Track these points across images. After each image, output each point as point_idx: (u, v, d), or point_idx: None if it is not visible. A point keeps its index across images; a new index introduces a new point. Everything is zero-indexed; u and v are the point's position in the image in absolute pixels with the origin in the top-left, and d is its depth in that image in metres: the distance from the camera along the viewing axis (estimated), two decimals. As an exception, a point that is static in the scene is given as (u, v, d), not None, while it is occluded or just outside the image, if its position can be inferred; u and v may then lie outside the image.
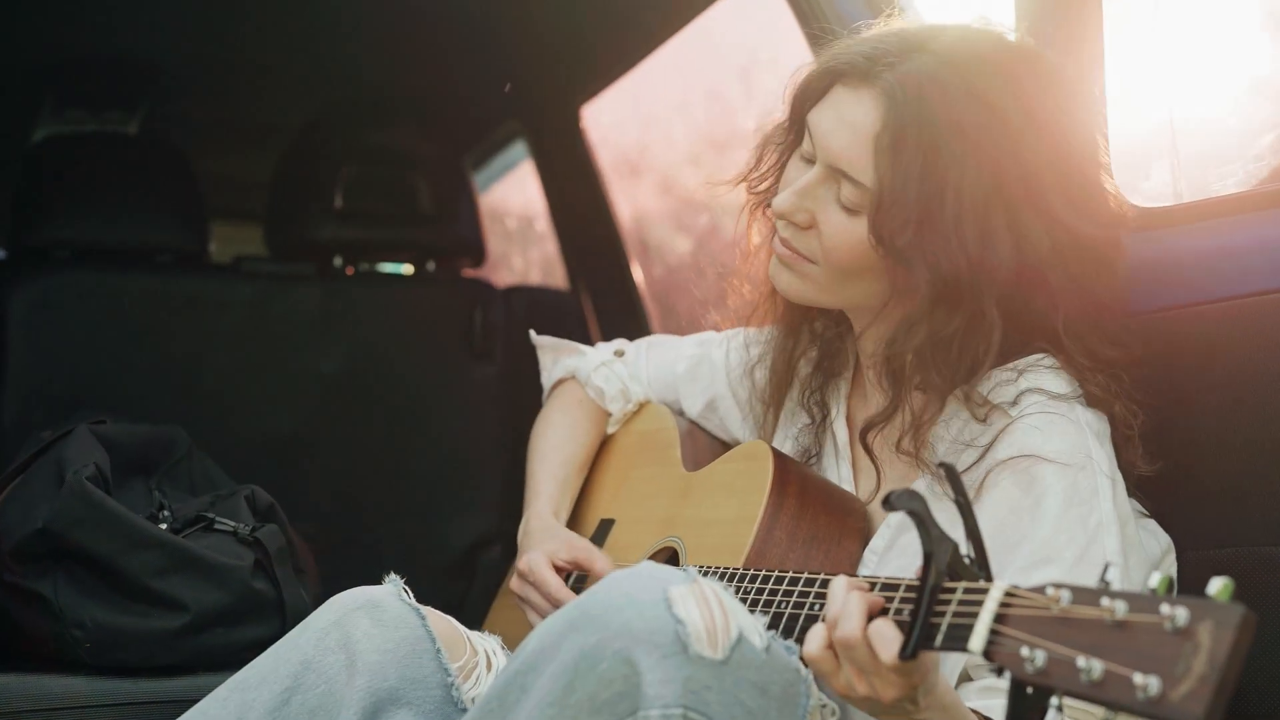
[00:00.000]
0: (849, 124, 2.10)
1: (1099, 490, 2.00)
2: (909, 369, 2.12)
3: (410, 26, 3.92)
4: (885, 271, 2.14)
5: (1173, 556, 2.20)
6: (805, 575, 1.99)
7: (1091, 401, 2.10)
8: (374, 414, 3.85)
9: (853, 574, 2.21)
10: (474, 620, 2.43)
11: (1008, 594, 1.56)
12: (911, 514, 1.64)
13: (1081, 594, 1.47)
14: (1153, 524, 2.19)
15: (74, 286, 3.57)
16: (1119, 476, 2.06)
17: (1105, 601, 1.44)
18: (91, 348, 3.56)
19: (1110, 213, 2.19)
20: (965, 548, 1.67)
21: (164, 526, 2.62)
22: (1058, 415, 2.06)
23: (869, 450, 2.21)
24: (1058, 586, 1.49)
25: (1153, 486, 2.14)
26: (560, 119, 4.41)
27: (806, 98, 2.21)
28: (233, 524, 2.65)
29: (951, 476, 1.69)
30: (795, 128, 2.27)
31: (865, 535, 2.27)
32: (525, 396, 3.82)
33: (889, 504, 1.65)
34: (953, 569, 1.65)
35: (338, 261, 3.92)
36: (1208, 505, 2.22)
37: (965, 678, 2.02)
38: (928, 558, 1.65)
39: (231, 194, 4.80)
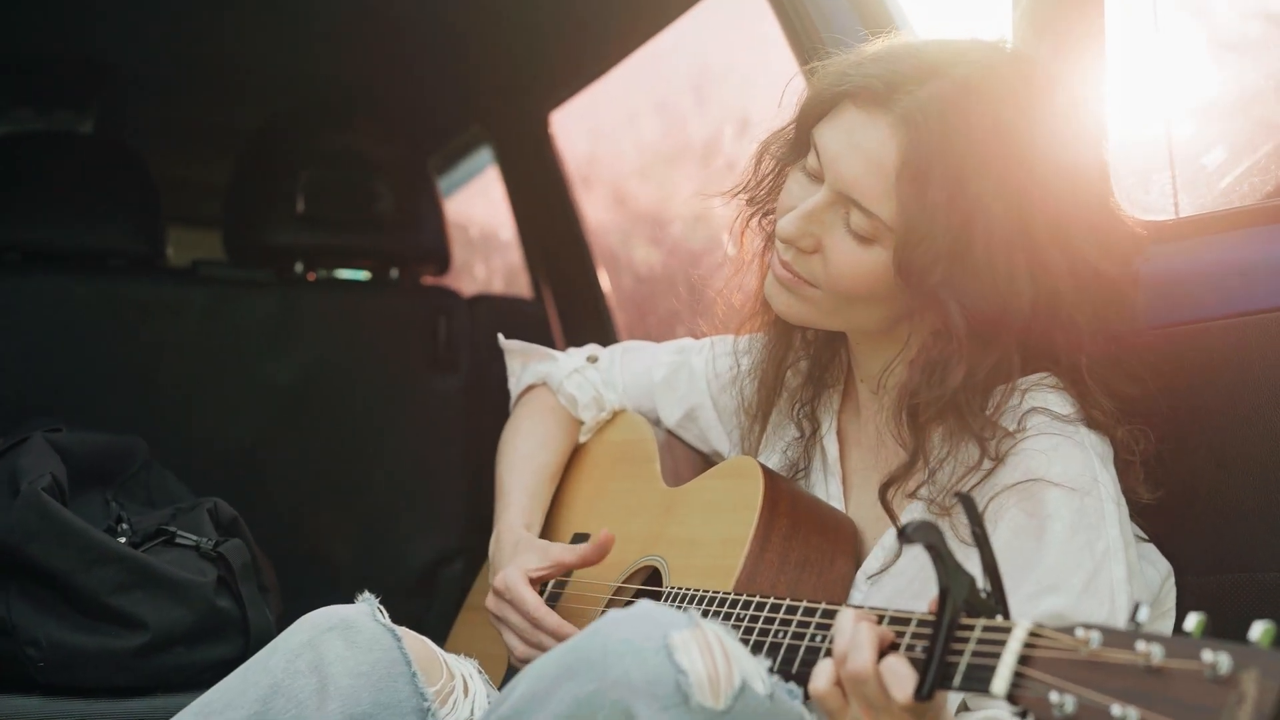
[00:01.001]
0: (863, 150, 2.03)
1: (1106, 515, 1.95)
2: (934, 416, 2.04)
3: (373, 27, 3.86)
4: (893, 300, 2.08)
5: (1172, 582, 2.14)
6: (804, 604, 1.91)
7: (1093, 424, 2.04)
8: (334, 425, 3.77)
9: (845, 597, 2.14)
10: (437, 639, 2.34)
11: (1033, 634, 1.50)
12: (929, 548, 1.58)
13: (1113, 636, 1.41)
14: (1152, 549, 2.14)
15: (23, 290, 3.46)
16: (1123, 501, 2.01)
17: (1140, 645, 1.37)
18: (41, 354, 3.45)
19: (1128, 245, 2.13)
20: (982, 582, 1.61)
21: (123, 540, 2.54)
22: (1063, 438, 2.00)
23: (888, 508, 2.11)
24: (1087, 628, 1.43)
25: (1150, 508, 2.08)
26: (528, 125, 4.34)
27: (813, 111, 2.14)
28: (195, 538, 2.57)
29: (969, 508, 1.63)
30: (799, 140, 2.19)
31: (858, 557, 2.21)
32: (489, 409, 3.76)
33: (905, 537, 1.59)
34: (969, 604, 1.59)
35: (298, 267, 3.83)
36: (1208, 529, 2.17)
37: (963, 706, 1.96)
38: (944, 592, 1.59)
39: (189, 197, 4.71)
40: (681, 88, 5.19)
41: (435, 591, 3.77)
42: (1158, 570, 2.12)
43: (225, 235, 3.91)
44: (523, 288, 4.64)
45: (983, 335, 1.98)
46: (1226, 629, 2.13)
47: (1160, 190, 2.34)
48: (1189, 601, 2.12)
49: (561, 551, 2.38)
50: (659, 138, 5.42)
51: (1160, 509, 2.08)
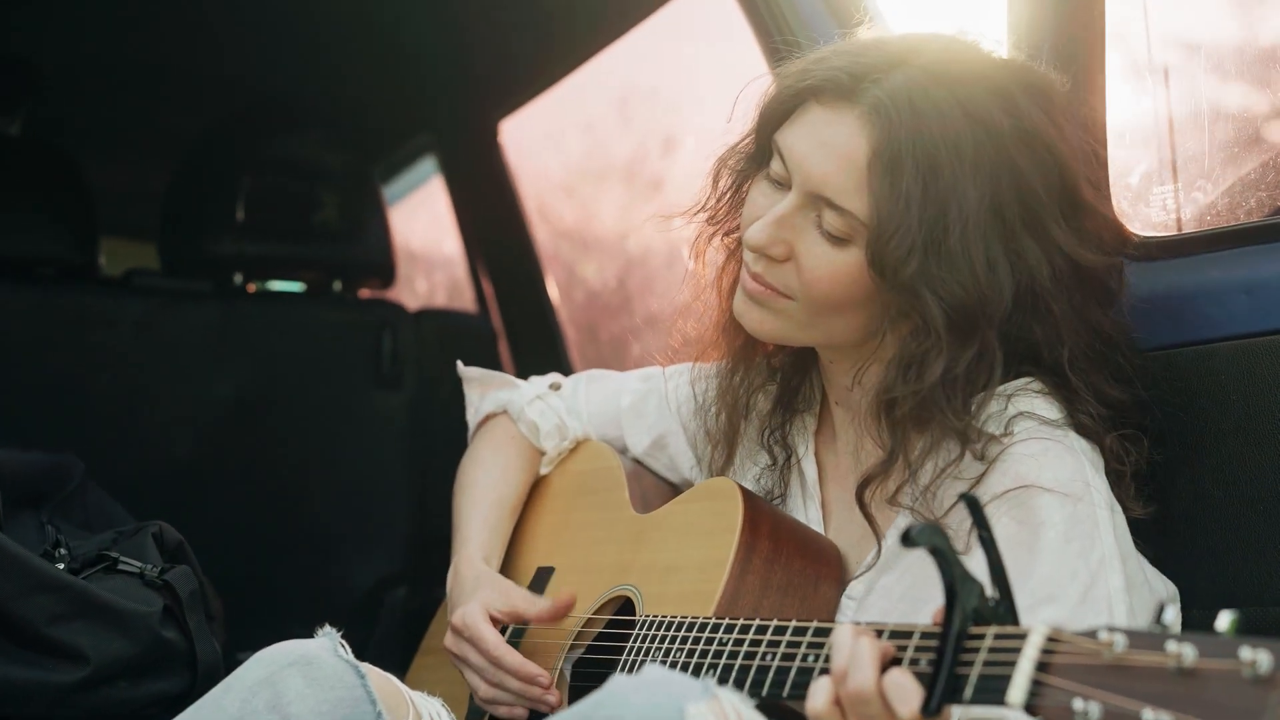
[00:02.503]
0: (831, 146, 1.97)
1: (1099, 522, 1.88)
2: (911, 412, 1.97)
3: (317, 30, 3.81)
4: (871, 304, 2.00)
5: (1178, 608, 2.05)
6: (793, 624, 1.82)
7: (1082, 430, 1.98)
8: (273, 443, 3.69)
9: (832, 622, 2.04)
10: (381, 665, 2.22)
11: (1050, 639, 1.42)
12: (933, 551, 1.51)
13: (1140, 638, 1.33)
14: (1153, 571, 2.05)
15: (-52, 300, 3.36)
16: (1118, 508, 1.94)
17: (1171, 646, 1.30)
18: (-33, 366, 3.34)
19: (1109, 238, 2.08)
20: (990, 590, 1.54)
21: (61, 567, 2.41)
22: (1052, 442, 1.94)
23: (866, 511, 2.04)
24: (1111, 630, 1.35)
25: (1155, 535, 2.01)
26: (476, 133, 4.25)
27: (773, 117, 2.07)
28: (139, 565, 2.44)
29: (974, 509, 1.55)
30: (760, 150, 2.12)
31: (842, 581, 2.13)
32: (435, 427, 3.70)
33: (908, 539, 1.52)
34: (978, 612, 1.52)
35: (237, 279, 3.73)
36: (1216, 559, 2.10)
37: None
38: (950, 599, 1.51)
39: (124, 206, 4.61)
40: (607, 105, 5.15)
41: (378, 616, 3.68)
42: (1165, 588, 2.04)
43: (161, 245, 3.81)
44: (466, 303, 4.53)
45: (961, 328, 1.92)
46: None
47: (1161, 204, 2.27)
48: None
49: (521, 600, 2.29)
50: (583, 155, 5.37)
51: (1165, 537, 2.02)
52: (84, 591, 2.34)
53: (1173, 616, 1.36)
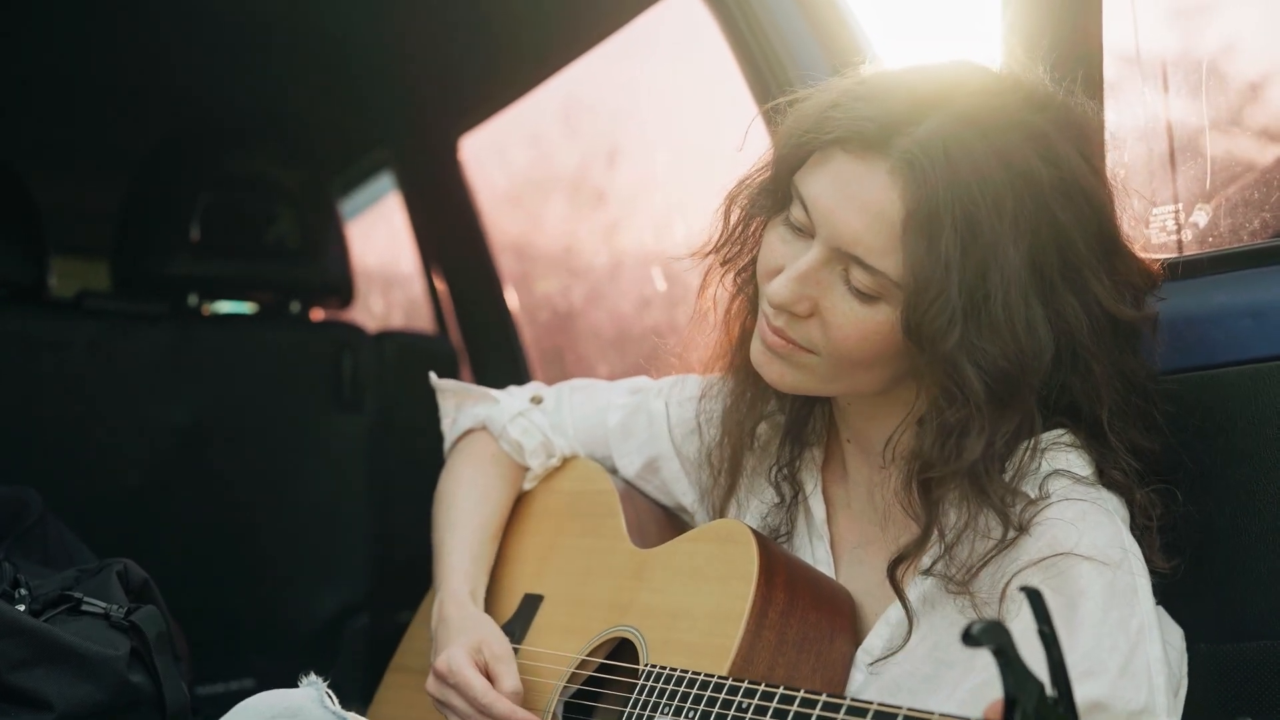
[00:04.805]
0: (860, 202, 1.86)
1: (1139, 590, 1.81)
2: (951, 487, 1.88)
3: (272, 45, 3.74)
4: (899, 359, 1.92)
5: (1184, 647, 2.00)
6: (823, 698, 1.72)
7: (1112, 486, 1.91)
8: (231, 469, 3.58)
9: (844, 678, 1.98)
10: (343, 697, 2.13)
11: None
12: (997, 653, 1.42)
13: None
14: (1163, 614, 1.99)
15: (-110, 321, 3.23)
16: (1147, 571, 1.86)
17: None
18: (-90, 390, 3.21)
19: (1140, 281, 2.00)
20: (1049, 689, 1.45)
21: (22, 608, 2.29)
22: (1089, 504, 1.86)
23: (898, 587, 1.95)
24: None
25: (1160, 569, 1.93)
26: (435, 149, 4.17)
27: (793, 158, 1.96)
28: (104, 605, 2.32)
29: (1035, 602, 1.45)
30: (777, 192, 2.01)
31: (857, 633, 2.05)
32: (396, 451, 3.61)
33: (970, 639, 1.41)
34: (1039, 715, 1.43)
35: (192, 299, 3.62)
36: (1222, 592, 2.04)
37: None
38: (1010, 705, 1.42)
39: (74, 224, 4.53)
40: (548, 119, 5.10)
41: (339, 647, 3.60)
42: (1173, 644, 1.97)
43: (113, 264, 3.68)
44: (423, 322, 4.43)
45: (1002, 398, 1.83)
46: (1244, 703, 2.00)
47: (1161, 225, 2.22)
48: (1202, 671, 1.99)
49: (498, 659, 2.19)
50: (528, 167, 5.32)
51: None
52: (47, 635, 2.22)
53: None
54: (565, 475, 2.52)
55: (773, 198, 2.03)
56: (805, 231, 1.93)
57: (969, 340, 1.81)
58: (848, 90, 1.95)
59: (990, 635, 1.41)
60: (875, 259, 1.84)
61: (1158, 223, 2.25)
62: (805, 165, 1.94)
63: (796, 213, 1.93)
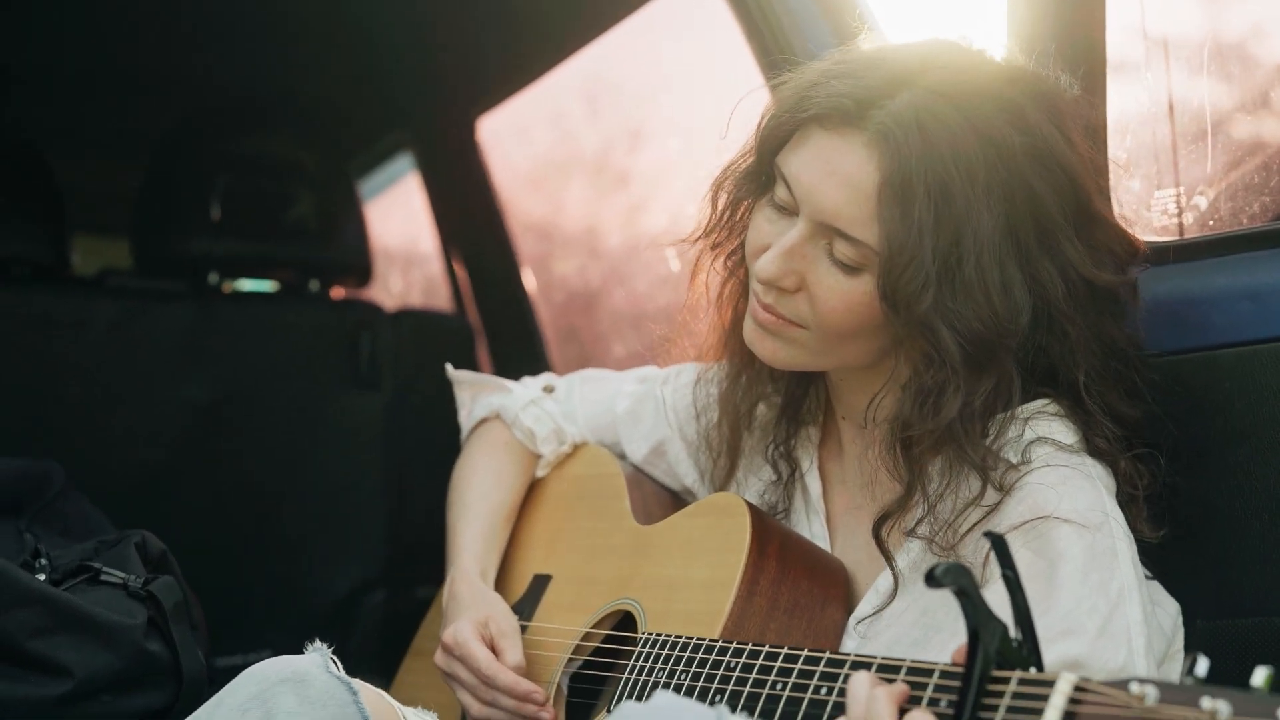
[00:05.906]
0: (840, 176, 1.91)
1: (1118, 553, 1.85)
2: (929, 447, 1.93)
3: (291, 27, 3.73)
4: (886, 329, 1.96)
5: (1180, 622, 2.03)
6: (805, 653, 1.78)
7: (1096, 454, 1.95)
8: (249, 446, 3.60)
9: (836, 644, 2.02)
10: (359, 672, 2.18)
11: (1078, 688, 1.40)
12: (959, 593, 1.48)
13: (1172, 692, 1.32)
14: (1159, 588, 2.03)
15: (-85, 300, 3.27)
16: (1132, 537, 1.91)
17: (1205, 703, 1.29)
18: (-66, 368, 3.25)
19: (1120, 250, 2.04)
20: (1013, 631, 1.51)
21: (42, 578, 2.36)
22: (1070, 469, 1.90)
23: (883, 547, 2.01)
24: (1141, 682, 1.34)
25: (1158, 546, 1.98)
26: (453, 130, 4.18)
27: (773, 140, 2.02)
28: (122, 575, 2.39)
29: (999, 548, 1.53)
30: (761, 172, 2.07)
31: (849, 602, 2.10)
32: (413, 428, 3.64)
33: (933, 579, 1.48)
34: (1001, 655, 1.49)
35: (212, 278, 3.64)
36: (1218, 569, 2.08)
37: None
38: (974, 640, 1.47)
39: (96, 204, 4.52)
40: (573, 100, 5.12)
41: (355, 621, 3.63)
42: (1167, 611, 2.02)
43: (135, 244, 3.72)
44: (442, 301, 4.46)
45: (977, 360, 1.89)
46: (1241, 679, 2.03)
47: (1163, 209, 2.25)
48: (1199, 647, 1.98)
49: (504, 633, 2.25)
50: (549, 148, 5.34)
51: (1167, 546, 1.98)
52: (66, 604, 2.29)
53: (1205, 668, 1.33)
54: (575, 461, 2.57)
55: (757, 180, 2.08)
56: (789, 210, 1.98)
57: (943, 304, 1.86)
58: (825, 70, 2.01)
59: (952, 576, 1.47)
60: (856, 230, 1.90)
61: (1159, 206, 2.27)
62: (787, 145, 2.00)
63: (780, 192, 1.99)
